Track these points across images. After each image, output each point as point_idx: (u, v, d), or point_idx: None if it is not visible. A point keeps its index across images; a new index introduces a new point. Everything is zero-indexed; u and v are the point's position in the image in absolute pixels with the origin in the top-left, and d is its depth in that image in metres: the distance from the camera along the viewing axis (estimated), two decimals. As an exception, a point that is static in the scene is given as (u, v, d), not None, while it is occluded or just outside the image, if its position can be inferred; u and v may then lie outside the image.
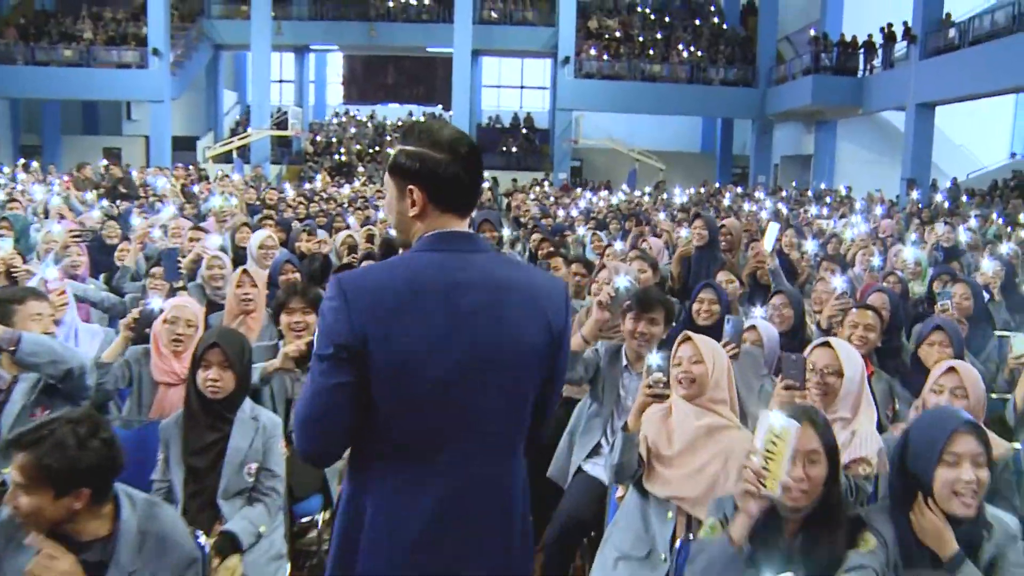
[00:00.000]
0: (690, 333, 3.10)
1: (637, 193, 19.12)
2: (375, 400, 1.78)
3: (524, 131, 32.16)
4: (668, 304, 3.67)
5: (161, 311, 3.68)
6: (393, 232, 2.20)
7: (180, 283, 4.68)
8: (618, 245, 5.80)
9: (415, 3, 30.41)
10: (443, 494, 1.84)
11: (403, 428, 1.81)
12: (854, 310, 3.89)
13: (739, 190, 20.72)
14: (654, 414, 2.99)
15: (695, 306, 4.34)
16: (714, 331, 3.49)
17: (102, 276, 6.09)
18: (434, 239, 1.85)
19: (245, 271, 4.33)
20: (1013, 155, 24.81)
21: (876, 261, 5.84)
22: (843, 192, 18.91)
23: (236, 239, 6.21)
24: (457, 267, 1.83)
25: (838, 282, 4.44)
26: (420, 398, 1.79)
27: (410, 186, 1.85)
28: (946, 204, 15.32)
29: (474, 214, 3.36)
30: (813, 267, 6.05)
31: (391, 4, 30.29)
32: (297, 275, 4.80)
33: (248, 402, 3.21)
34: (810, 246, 6.65)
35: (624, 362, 3.67)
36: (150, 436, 3.25)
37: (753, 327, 3.74)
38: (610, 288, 3.38)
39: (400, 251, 1.98)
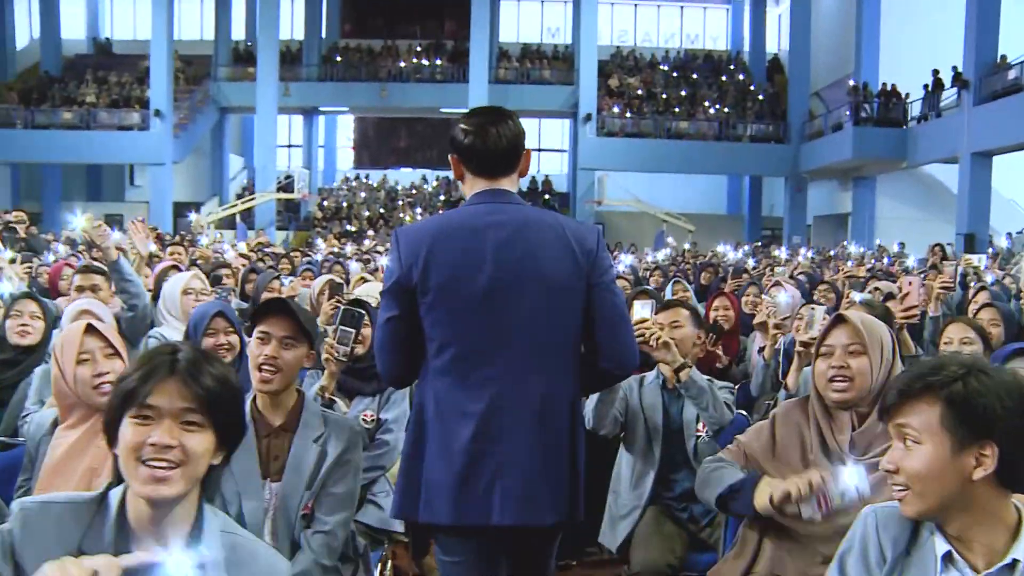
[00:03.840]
0: None
1: (666, 253, 17.48)
2: (427, 326, 2.16)
3: (543, 195, 30.77)
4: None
5: None
6: None
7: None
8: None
9: (428, 63, 29.42)
10: (487, 405, 2.13)
11: (453, 348, 2.15)
12: None
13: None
14: None
15: None
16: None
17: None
18: (474, 196, 2.26)
19: (90, 327, 2.44)
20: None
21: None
22: (896, 250, 17.22)
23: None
24: (491, 212, 2.20)
25: None
26: (462, 320, 2.14)
27: (451, 155, 2.32)
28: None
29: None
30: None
31: (403, 65, 29.30)
32: (233, 339, 3.14)
33: None
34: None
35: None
36: None
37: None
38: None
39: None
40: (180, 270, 4.39)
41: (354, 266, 3.92)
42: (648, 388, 3.29)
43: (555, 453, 2.17)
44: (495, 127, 2.22)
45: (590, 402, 2.99)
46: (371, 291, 4.12)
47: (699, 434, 3.13)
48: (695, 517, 3.15)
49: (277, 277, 4.74)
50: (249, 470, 2.37)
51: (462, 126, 2.25)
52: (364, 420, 3.18)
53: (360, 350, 3.23)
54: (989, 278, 5.27)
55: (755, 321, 4.39)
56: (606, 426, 3.11)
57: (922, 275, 5.35)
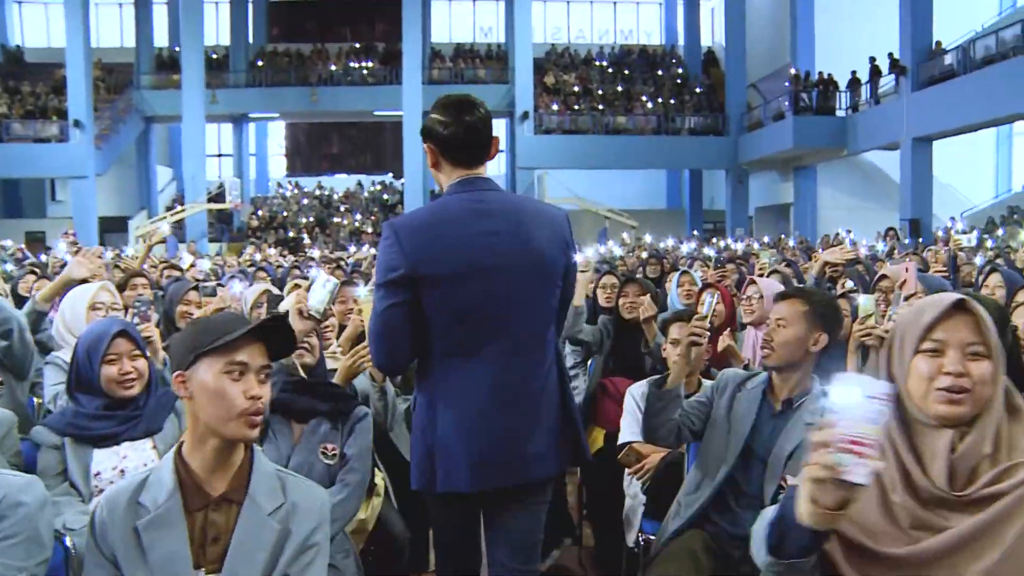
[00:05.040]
0: None
1: (618, 250, 17.14)
2: (428, 313, 2.25)
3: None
4: None
5: None
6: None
7: None
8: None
9: (359, 66, 28.70)
10: (491, 381, 2.26)
11: (459, 330, 2.26)
12: None
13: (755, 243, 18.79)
14: None
15: None
16: None
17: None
18: (456, 185, 2.33)
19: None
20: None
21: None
22: (844, 238, 17.09)
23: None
24: (477, 200, 2.30)
25: None
26: (467, 304, 2.24)
27: (426, 144, 2.35)
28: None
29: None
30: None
31: (334, 68, 28.54)
32: (140, 364, 2.51)
33: None
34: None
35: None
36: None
37: None
38: None
39: None
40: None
41: (316, 273, 3.61)
42: (746, 394, 2.71)
43: (551, 415, 2.35)
44: (470, 117, 2.29)
45: (644, 416, 2.79)
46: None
47: (785, 484, 2.46)
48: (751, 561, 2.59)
49: (195, 287, 4.08)
50: (175, 557, 1.71)
51: (437, 117, 2.31)
52: (324, 453, 2.64)
53: (309, 360, 2.78)
54: (978, 259, 4.96)
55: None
56: (664, 437, 2.76)
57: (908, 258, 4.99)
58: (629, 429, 3.44)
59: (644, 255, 13.16)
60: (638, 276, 5.85)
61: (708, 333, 2.61)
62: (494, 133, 2.35)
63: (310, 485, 1.90)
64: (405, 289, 2.22)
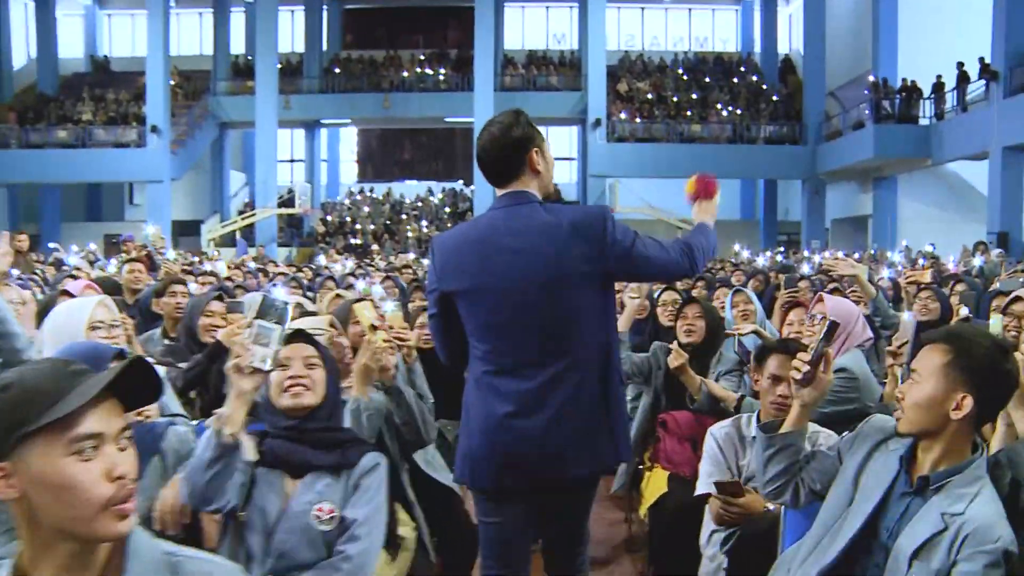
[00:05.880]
0: None
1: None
2: (464, 320, 2.43)
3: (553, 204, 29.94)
4: None
5: None
6: None
7: None
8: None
9: (431, 73, 28.70)
10: (518, 387, 2.34)
11: (483, 341, 2.40)
12: None
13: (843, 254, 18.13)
14: None
15: None
16: None
17: None
18: (495, 201, 2.49)
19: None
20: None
21: None
22: (930, 250, 16.31)
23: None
24: (506, 217, 2.41)
25: None
26: (492, 315, 2.37)
27: None
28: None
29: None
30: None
31: (406, 74, 28.58)
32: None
33: None
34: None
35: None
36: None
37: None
38: None
39: None
40: (72, 295, 3.36)
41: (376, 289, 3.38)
42: (885, 456, 2.12)
43: (584, 419, 2.36)
44: (483, 138, 2.44)
45: (757, 464, 2.39)
46: (316, 324, 2.99)
47: None
48: None
49: (218, 296, 3.73)
50: None
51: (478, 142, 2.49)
52: (317, 517, 2.15)
53: (309, 400, 2.26)
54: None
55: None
56: (775, 494, 2.31)
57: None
58: (709, 477, 2.98)
59: (731, 267, 12.64)
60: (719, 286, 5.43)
61: (812, 368, 2.15)
62: (526, 149, 2.41)
63: (212, 564, 1.37)
64: (439, 301, 2.45)
